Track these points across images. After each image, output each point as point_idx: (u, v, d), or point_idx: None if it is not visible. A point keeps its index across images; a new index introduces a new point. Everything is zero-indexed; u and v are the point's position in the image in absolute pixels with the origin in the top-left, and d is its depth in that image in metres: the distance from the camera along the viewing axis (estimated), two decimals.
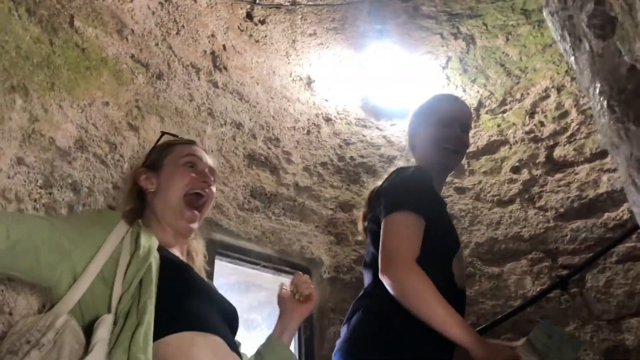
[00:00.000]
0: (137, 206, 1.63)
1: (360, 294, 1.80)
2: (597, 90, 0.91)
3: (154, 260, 1.36)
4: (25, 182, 1.66)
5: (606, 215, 2.56)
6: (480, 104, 3.25)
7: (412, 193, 1.73)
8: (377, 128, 3.35)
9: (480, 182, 3.04)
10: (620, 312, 2.36)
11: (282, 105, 2.96)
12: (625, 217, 2.47)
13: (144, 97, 2.25)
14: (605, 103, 0.89)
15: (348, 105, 3.31)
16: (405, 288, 1.52)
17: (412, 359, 1.53)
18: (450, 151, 1.92)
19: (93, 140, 1.96)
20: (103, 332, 1.19)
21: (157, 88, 2.33)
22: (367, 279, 1.82)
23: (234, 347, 1.39)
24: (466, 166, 3.12)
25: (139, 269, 1.32)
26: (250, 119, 2.73)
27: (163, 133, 1.83)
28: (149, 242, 1.42)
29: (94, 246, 1.38)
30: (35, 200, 1.67)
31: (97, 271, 1.34)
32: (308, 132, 3.04)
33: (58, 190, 1.77)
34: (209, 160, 1.74)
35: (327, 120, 3.18)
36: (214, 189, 1.69)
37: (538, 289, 2.53)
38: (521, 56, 3.09)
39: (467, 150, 2.13)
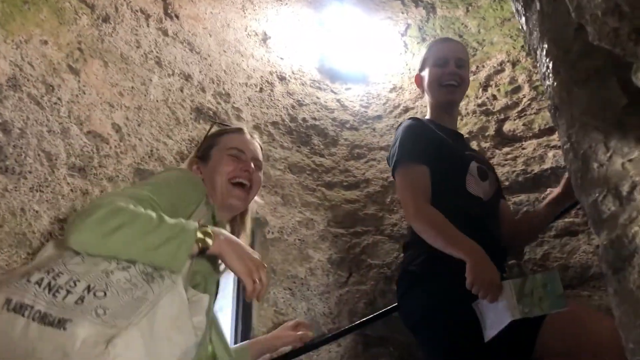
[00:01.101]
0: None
1: None
2: (544, 52, 0.89)
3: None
4: None
5: (549, 190, 2.60)
6: None
7: (407, 145, 2.00)
8: (332, 91, 3.29)
9: None
10: None
11: (235, 59, 2.87)
12: None
13: (87, 39, 2.13)
14: (551, 64, 0.88)
15: (304, 66, 3.24)
16: (419, 230, 1.85)
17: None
18: (449, 87, 2.17)
19: (28, 80, 1.84)
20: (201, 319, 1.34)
21: (102, 31, 2.21)
22: None
23: None
24: None
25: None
26: (200, 72, 2.63)
27: (214, 123, 2.00)
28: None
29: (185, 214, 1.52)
30: None
31: None
32: (261, 90, 2.96)
33: None
34: (256, 150, 1.89)
35: (282, 79, 3.10)
36: (260, 174, 1.86)
37: None
38: (480, 28, 3.08)
39: None
